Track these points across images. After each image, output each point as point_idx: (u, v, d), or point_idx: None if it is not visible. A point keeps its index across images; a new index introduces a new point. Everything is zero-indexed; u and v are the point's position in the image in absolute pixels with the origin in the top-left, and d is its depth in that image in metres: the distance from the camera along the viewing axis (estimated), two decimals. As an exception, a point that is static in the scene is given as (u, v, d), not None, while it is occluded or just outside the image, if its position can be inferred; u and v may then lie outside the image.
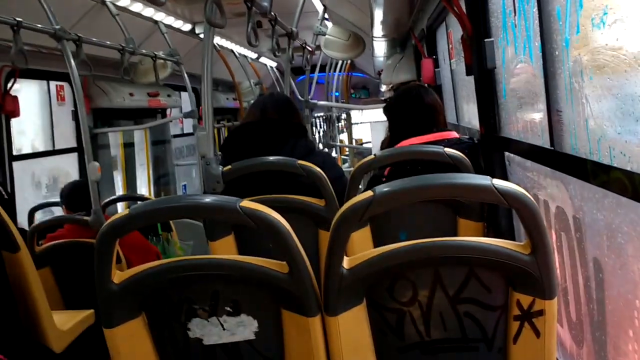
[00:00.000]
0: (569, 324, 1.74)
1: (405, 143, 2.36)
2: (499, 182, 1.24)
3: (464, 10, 2.37)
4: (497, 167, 2.28)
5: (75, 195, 3.63)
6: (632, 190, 1.17)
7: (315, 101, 5.99)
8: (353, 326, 1.35)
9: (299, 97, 6.47)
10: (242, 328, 1.39)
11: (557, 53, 1.58)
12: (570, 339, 1.74)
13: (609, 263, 1.41)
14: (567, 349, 1.78)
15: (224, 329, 1.38)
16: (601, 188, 1.34)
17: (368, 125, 12.15)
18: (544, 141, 1.72)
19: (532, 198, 1.23)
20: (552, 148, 1.64)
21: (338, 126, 11.26)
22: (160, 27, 5.10)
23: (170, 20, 5.20)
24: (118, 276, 1.36)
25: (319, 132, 10.61)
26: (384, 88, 8.86)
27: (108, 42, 4.23)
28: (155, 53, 4.96)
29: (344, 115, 11.41)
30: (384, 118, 2.71)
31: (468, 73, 2.47)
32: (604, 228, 1.41)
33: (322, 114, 10.34)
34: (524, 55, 1.92)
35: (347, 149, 11.22)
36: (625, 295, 1.34)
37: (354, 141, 11.70)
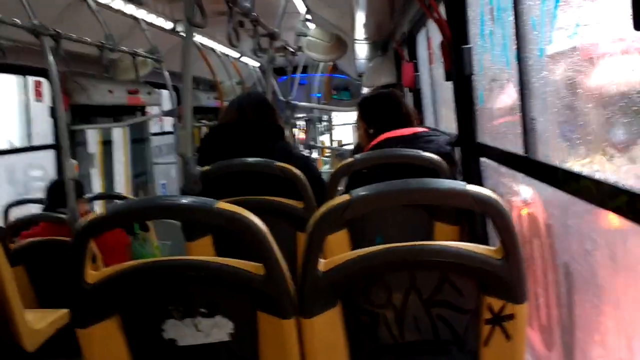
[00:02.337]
0: (540, 327, 1.77)
1: (386, 135, 2.38)
2: (473, 188, 1.26)
3: (444, 16, 2.40)
4: (473, 172, 2.32)
5: (57, 194, 3.59)
6: (600, 198, 1.20)
7: (296, 102, 6.00)
8: (328, 328, 1.36)
9: (281, 97, 6.48)
10: (217, 330, 1.39)
11: (531, 62, 1.62)
12: (540, 342, 1.78)
13: (577, 269, 1.45)
14: (537, 352, 1.81)
15: (198, 331, 1.38)
16: (572, 195, 1.37)
17: (349, 127, 12.19)
18: (518, 148, 1.76)
19: (504, 204, 1.26)
20: (526, 155, 1.67)
21: (319, 128, 11.27)
22: (141, 24, 5.06)
23: (151, 17, 5.16)
24: (92, 276, 1.36)
25: (299, 133, 10.60)
26: (365, 90, 8.90)
27: (87, 39, 4.19)
28: (136, 50, 4.93)
29: (325, 117, 11.43)
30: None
31: (447, 79, 2.51)
32: (574, 234, 1.45)
33: (304, 115, 10.34)
34: (500, 63, 1.95)
35: (328, 151, 11.24)
36: (592, 300, 1.37)
37: (335, 143, 11.73)
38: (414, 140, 2.34)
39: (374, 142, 2.41)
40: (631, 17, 0.88)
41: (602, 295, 1.32)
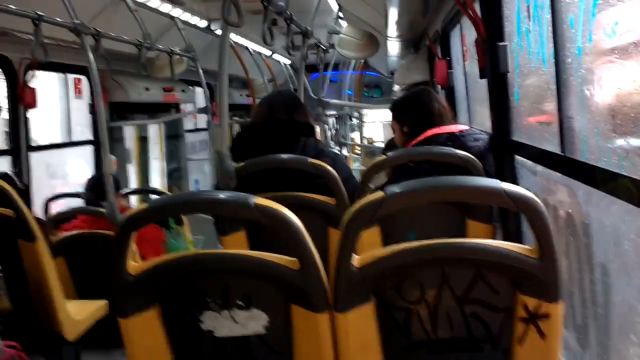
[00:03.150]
0: (574, 327, 1.76)
1: (428, 133, 2.38)
2: (509, 186, 1.26)
3: (479, 14, 2.38)
4: (507, 170, 2.30)
5: (97, 188, 3.68)
6: (638, 198, 1.19)
7: (328, 99, 6.01)
8: (361, 323, 1.37)
9: (312, 95, 6.50)
10: (252, 322, 1.42)
11: (569, 60, 1.60)
12: (574, 341, 1.76)
13: (614, 269, 1.43)
14: (572, 351, 1.80)
15: (235, 322, 1.42)
16: (609, 195, 1.36)
17: (379, 125, 12.15)
18: (554, 146, 1.74)
19: (541, 203, 1.25)
20: (563, 154, 1.66)
21: (350, 125, 11.27)
22: (177, 23, 5.15)
23: (186, 16, 5.25)
24: (133, 268, 1.40)
25: (330, 130, 10.62)
26: (396, 88, 8.86)
27: (126, 37, 4.28)
28: (172, 48, 5.01)
29: (356, 114, 11.42)
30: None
31: (481, 76, 2.49)
32: (611, 234, 1.43)
33: (334, 112, 10.35)
34: (537, 61, 1.93)
35: (358, 148, 11.23)
36: (629, 300, 1.36)
37: (365, 140, 11.71)
38: (461, 138, 2.33)
39: (420, 138, 2.39)
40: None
41: (638, 295, 1.30)
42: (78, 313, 2.74)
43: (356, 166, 10.28)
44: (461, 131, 2.37)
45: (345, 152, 10.17)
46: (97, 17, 4.15)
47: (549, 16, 1.71)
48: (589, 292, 1.62)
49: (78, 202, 4.24)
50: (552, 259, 1.27)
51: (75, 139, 5.25)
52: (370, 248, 2.07)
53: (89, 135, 5.23)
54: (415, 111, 2.51)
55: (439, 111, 2.48)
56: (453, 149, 2.22)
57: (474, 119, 3.73)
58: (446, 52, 4.32)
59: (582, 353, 1.71)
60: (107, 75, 5.08)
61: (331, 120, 10.69)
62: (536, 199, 1.25)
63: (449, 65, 4.23)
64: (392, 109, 2.65)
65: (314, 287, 1.36)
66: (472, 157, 2.18)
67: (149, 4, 4.45)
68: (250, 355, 1.43)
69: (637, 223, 1.27)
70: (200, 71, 5.44)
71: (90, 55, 3.40)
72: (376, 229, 2.25)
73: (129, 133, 6.26)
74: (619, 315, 1.44)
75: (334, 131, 10.61)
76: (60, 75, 5.04)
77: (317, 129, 3.17)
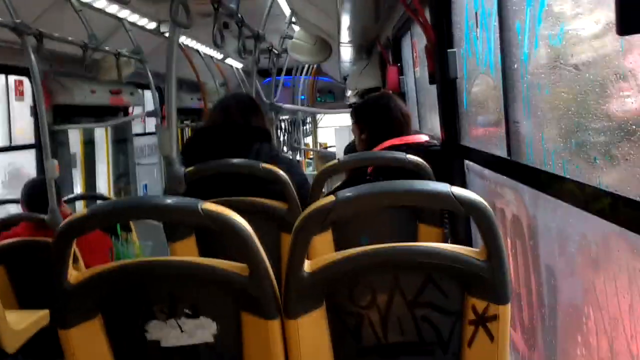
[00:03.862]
0: (522, 328, 1.79)
1: (386, 144, 2.40)
2: (457, 190, 1.27)
3: (429, 20, 2.42)
4: (457, 174, 2.33)
5: (34, 194, 3.54)
6: (583, 201, 1.22)
7: (280, 104, 6.00)
8: (312, 329, 1.36)
9: (265, 99, 6.47)
10: (201, 330, 1.38)
11: (516, 66, 1.64)
12: (523, 343, 1.80)
13: (560, 270, 1.47)
14: (520, 352, 1.83)
15: (182, 332, 1.38)
16: (554, 198, 1.39)
17: (333, 130, 12.22)
18: (502, 151, 1.77)
19: (488, 206, 1.27)
20: (509, 158, 1.69)
21: (303, 130, 11.28)
22: (125, 24, 5.03)
23: (135, 17, 5.13)
24: (74, 276, 1.34)
25: (284, 135, 10.60)
26: (349, 93, 8.92)
27: (70, 38, 4.15)
28: (119, 50, 4.89)
29: (309, 119, 11.44)
30: (349, 123, 2.73)
31: (431, 82, 2.52)
32: (556, 236, 1.46)
33: (287, 117, 10.34)
34: (484, 67, 1.97)
35: (311, 153, 11.25)
36: (575, 301, 1.39)
37: (318, 145, 11.75)
38: (421, 149, 2.35)
39: (378, 148, 2.41)
40: (615, 22, 0.89)
41: (584, 296, 1.33)
42: (19, 323, 2.63)
43: (309, 171, 10.29)
44: (419, 143, 2.40)
45: (298, 157, 10.17)
46: (41, 17, 4.01)
47: (496, 23, 1.74)
48: (536, 293, 1.65)
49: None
50: (499, 261, 1.28)
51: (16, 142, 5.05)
52: (323, 253, 2.06)
53: (32, 140, 5.04)
54: (374, 118, 2.52)
55: (398, 120, 2.48)
56: (404, 154, 2.23)
57: (424, 125, 3.78)
58: (397, 58, 4.38)
59: (530, 354, 1.74)
60: (51, 77, 4.91)
61: (284, 125, 10.68)
62: (483, 202, 1.26)
63: (400, 71, 4.28)
64: (352, 114, 2.65)
65: (264, 294, 1.34)
66: (422, 161, 2.20)
67: (94, 4, 4.33)
68: (198, 365, 1.39)
69: (581, 225, 1.30)
70: (149, 74, 5.33)
71: (32, 56, 3.27)
72: (329, 234, 2.24)
73: (74, 137, 6.07)
74: (564, 316, 1.47)
75: (287, 136, 10.60)
76: (1, 76, 4.84)
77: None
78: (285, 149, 9.72)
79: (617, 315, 1.15)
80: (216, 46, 2.73)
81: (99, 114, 6.16)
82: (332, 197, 1.30)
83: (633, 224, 1.01)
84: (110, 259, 3.67)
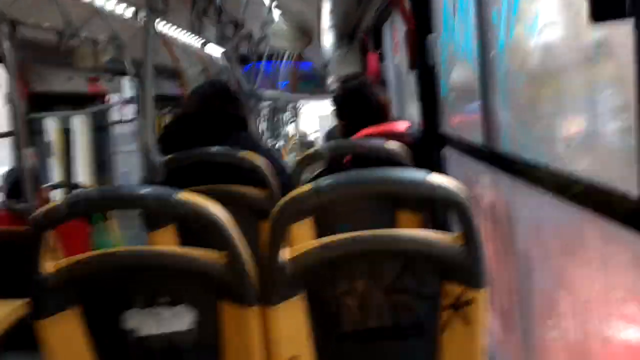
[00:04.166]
0: (499, 312, 1.82)
1: (365, 132, 2.40)
2: (433, 177, 1.28)
3: (408, 7, 2.41)
4: (436, 162, 2.35)
5: (16, 182, 3.49)
6: (556, 187, 1.23)
7: (261, 91, 5.96)
8: (291, 316, 1.37)
9: (246, 86, 6.43)
10: (179, 319, 1.38)
11: (492, 54, 1.65)
12: (499, 326, 1.82)
13: (534, 256, 1.49)
14: (497, 336, 1.86)
15: (160, 320, 1.37)
16: (529, 185, 1.40)
17: (315, 117, 12.20)
18: (479, 138, 1.79)
19: (464, 193, 1.28)
20: (486, 145, 1.70)
21: (284, 117, 11.25)
22: (102, 11, 4.94)
23: (112, 4, 5.04)
24: (50, 267, 1.33)
25: (265, 123, 10.56)
26: (330, 80, 8.90)
27: (46, 25, 4.07)
28: (96, 37, 4.81)
29: (291, 106, 11.40)
30: (330, 110, 2.74)
31: (411, 69, 2.53)
32: (531, 223, 1.48)
33: (269, 104, 10.29)
34: (462, 55, 1.98)
35: (293, 140, 11.22)
36: (549, 285, 1.41)
37: (300, 132, 11.72)
38: (400, 137, 2.35)
39: (356, 136, 2.41)
40: (588, 10, 0.90)
41: (557, 280, 1.36)
42: (-4, 314, 2.59)
43: (292, 157, 10.27)
44: (394, 132, 2.40)
45: (281, 143, 10.15)
46: (14, 3, 3.92)
47: (474, 10, 1.75)
48: (512, 278, 1.67)
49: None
50: (475, 247, 1.30)
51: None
52: (303, 240, 2.07)
53: (6, 128, 4.95)
54: (352, 107, 2.52)
55: (376, 108, 2.48)
56: (382, 142, 2.24)
57: (404, 112, 3.79)
58: (378, 45, 4.37)
59: (506, 337, 1.77)
60: (26, 65, 4.82)
61: (266, 112, 10.63)
62: (459, 188, 1.27)
63: (381, 58, 4.28)
64: (333, 103, 2.65)
65: (242, 282, 1.34)
66: (400, 149, 2.21)
67: (71, -10, 4.24)
68: (177, 354, 1.39)
69: (555, 211, 1.32)
70: (127, 60, 5.26)
71: (6, 44, 3.21)
72: (309, 221, 2.25)
73: (52, 126, 5.98)
74: (539, 300, 1.49)
75: (268, 123, 10.56)
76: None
77: (251, 121, 3.13)
78: (267, 136, 9.68)
79: (589, 298, 1.18)
80: (194, 33, 2.70)
81: (77, 102, 6.06)
82: (309, 187, 1.30)
83: (603, 210, 1.02)
84: (89, 248, 3.65)
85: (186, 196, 1.31)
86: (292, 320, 1.37)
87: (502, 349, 1.84)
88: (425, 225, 2.32)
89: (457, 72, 2.12)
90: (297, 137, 11.20)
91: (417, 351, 1.39)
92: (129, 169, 7.67)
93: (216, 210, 1.33)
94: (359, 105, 2.48)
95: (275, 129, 10.07)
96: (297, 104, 11.57)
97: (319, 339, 1.39)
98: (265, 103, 10.06)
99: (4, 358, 2.78)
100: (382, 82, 4.34)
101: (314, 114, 12.26)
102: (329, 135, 3.32)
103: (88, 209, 1.37)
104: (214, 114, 2.48)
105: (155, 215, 2.21)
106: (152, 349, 1.39)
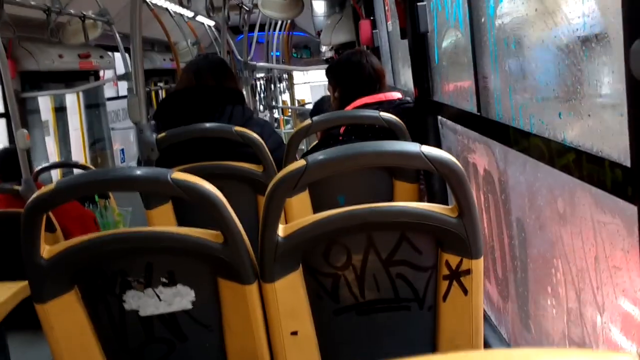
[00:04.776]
0: (496, 280, 1.84)
1: (357, 103, 2.39)
2: (427, 149, 1.27)
3: (398, -27, 2.37)
4: (430, 130, 2.34)
5: (8, 164, 3.47)
6: (548, 156, 1.23)
7: (255, 62, 5.90)
8: (289, 292, 1.38)
9: (238, 57, 6.35)
10: (178, 298, 1.39)
11: (483, 20, 1.62)
12: (497, 294, 1.84)
13: (530, 224, 1.49)
14: (495, 304, 1.88)
15: (160, 300, 1.39)
16: (522, 153, 1.40)
17: (309, 86, 12.10)
18: (472, 106, 1.78)
19: (458, 164, 1.28)
20: (479, 113, 1.69)
21: (280, 87, 11.14)
22: (89, -16, 4.86)
23: (99, -23, 4.95)
24: (48, 251, 1.34)
25: (260, 94, 10.48)
26: (324, 48, 8.80)
27: (32, 2, 4.00)
28: (84, 13, 4.73)
29: (285, 76, 11.29)
30: (324, 80, 2.72)
31: (402, 36, 2.50)
32: (525, 191, 1.48)
33: (263, 74, 10.19)
34: (454, 21, 1.95)
35: (289, 110, 11.15)
36: (544, 254, 1.42)
37: (296, 102, 11.63)
38: (394, 106, 2.34)
39: (350, 107, 2.40)
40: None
41: (552, 249, 1.36)
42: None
43: (288, 128, 10.22)
44: (390, 100, 2.39)
45: (276, 114, 10.08)
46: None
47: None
48: (508, 246, 1.68)
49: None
50: (471, 217, 1.30)
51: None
52: (300, 213, 2.08)
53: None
54: (345, 76, 2.50)
55: (369, 77, 2.46)
56: (377, 112, 2.23)
57: (398, 80, 3.76)
58: (370, 11, 4.30)
59: (504, 304, 1.79)
60: (15, 43, 4.76)
61: (260, 83, 10.53)
62: (453, 160, 1.27)
63: (374, 25, 4.22)
64: (326, 73, 2.64)
65: (239, 259, 1.35)
66: (397, 119, 2.20)
67: (56, -35, 4.16)
68: (178, 332, 1.41)
69: (549, 180, 1.32)
70: (117, 35, 5.19)
71: (-7, 23, 3.16)
72: (306, 195, 2.25)
73: (45, 104, 5.93)
74: (535, 268, 1.50)
75: (263, 94, 10.47)
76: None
77: (245, 93, 3.10)
78: (261, 108, 9.61)
79: (583, 266, 1.18)
80: (182, 5, 2.66)
81: (70, 79, 6.00)
82: (303, 162, 1.30)
83: (595, 179, 1.02)
84: (96, 229, 3.65)
85: (181, 176, 1.31)
86: (290, 296, 1.38)
87: (499, 317, 1.86)
88: (423, 194, 2.33)
89: (449, 39, 2.10)
90: (293, 107, 11.12)
91: (415, 322, 1.40)
92: (126, 145, 7.64)
93: (211, 189, 1.32)
94: (354, 72, 2.47)
95: (270, 100, 9.99)
96: (292, 74, 11.45)
97: (318, 314, 1.41)
98: (260, 74, 9.97)
99: (9, 338, 2.82)
100: (375, 49, 4.29)
101: (309, 83, 12.16)
102: (317, 108, 3.30)
103: (83, 192, 1.37)
104: (209, 88, 2.47)
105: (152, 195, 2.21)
106: (152, 328, 1.40)
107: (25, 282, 2.92)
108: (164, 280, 1.38)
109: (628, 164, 0.90)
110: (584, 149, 1.07)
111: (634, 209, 0.88)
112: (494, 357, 0.72)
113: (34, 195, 1.30)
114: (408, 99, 2.52)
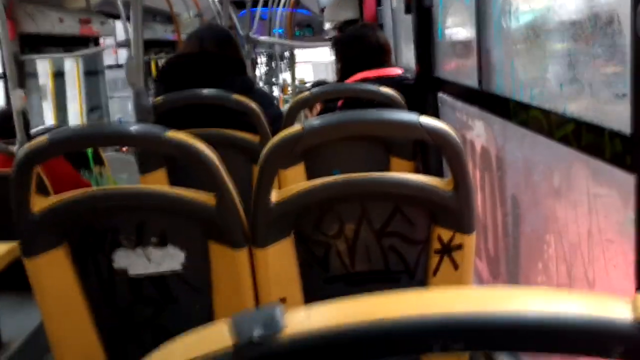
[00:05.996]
0: (487, 258, 1.83)
1: (357, 77, 2.38)
2: (425, 119, 1.26)
3: (405, -54, 2.33)
4: (430, 107, 2.32)
5: (7, 124, 3.44)
6: (547, 128, 1.22)
7: (257, 37, 5.84)
8: (280, 258, 1.37)
9: (240, 32, 6.29)
10: (168, 259, 1.38)
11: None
12: (487, 272, 1.84)
13: (524, 200, 1.49)
14: (484, 281, 1.88)
15: (150, 261, 1.38)
16: (521, 127, 1.39)
17: (312, 64, 12.01)
18: (473, 81, 1.76)
19: (456, 136, 1.26)
20: (480, 88, 1.68)
21: (281, 65, 11.06)
22: (92, -52, 4.79)
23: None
24: (38, 205, 1.32)
25: (260, 70, 10.40)
26: (327, 26, 8.71)
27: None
28: (86, -23, 4.67)
29: (287, 53, 11.19)
30: (326, 59, 2.72)
31: (407, 11, 2.47)
32: (522, 166, 1.48)
33: (264, 50, 10.10)
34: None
35: (289, 89, 11.08)
36: (537, 230, 1.42)
37: (297, 80, 11.55)
38: (394, 82, 2.32)
39: (350, 80, 2.39)
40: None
41: (545, 224, 1.36)
42: (-10, 256, 2.60)
43: (288, 106, 10.16)
44: (389, 76, 2.37)
45: (275, 92, 10.02)
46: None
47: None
48: (501, 224, 1.68)
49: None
50: (466, 191, 1.29)
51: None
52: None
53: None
54: (348, 49, 2.50)
55: (372, 51, 2.45)
56: (377, 86, 2.21)
57: (400, 58, 3.73)
58: (375, -12, 4.25)
59: (494, 282, 1.79)
60: (16, 4, 4.69)
61: (262, 60, 10.46)
62: (451, 132, 1.26)
63: (378, 2, 4.17)
64: (332, 45, 2.63)
65: (231, 223, 1.34)
66: (396, 94, 2.18)
67: None
68: (167, 293, 1.40)
69: (546, 153, 1.31)
70: (119, 2, 5.13)
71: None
72: (301, 167, 2.24)
73: (44, 69, 5.87)
74: (527, 245, 1.50)
75: (264, 71, 10.41)
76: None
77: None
78: (261, 83, 9.55)
79: (575, 241, 1.18)
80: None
81: (69, 44, 5.93)
82: (299, 127, 1.28)
83: (594, 149, 1.01)
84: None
85: (176, 135, 1.29)
86: (280, 262, 1.37)
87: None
88: (418, 172, 2.32)
89: (453, 14, 2.07)
90: (294, 85, 11.05)
91: (405, 294, 1.40)
92: (124, 114, 7.60)
93: (205, 150, 1.31)
94: (357, 44, 2.46)
95: (271, 77, 9.92)
96: (294, 52, 11.37)
97: (307, 281, 1.40)
98: (262, 50, 9.89)
99: (2, 298, 2.81)
100: (379, 26, 4.25)
101: (310, 62, 12.07)
102: (317, 84, 3.30)
103: (76, 145, 1.35)
104: (211, 56, 2.45)
105: (146, 155, 2.20)
106: (141, 288, 1.39)
107: (16, 243, 2.92)
108: (154, 240, 1.37)
109: (627, 133, 0.89)
110: (583, 120, 1.06)
111: (631, 179, 0.87)
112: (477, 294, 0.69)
113: (26, 147, 1.28)
114: (408, 75, 2.50)
